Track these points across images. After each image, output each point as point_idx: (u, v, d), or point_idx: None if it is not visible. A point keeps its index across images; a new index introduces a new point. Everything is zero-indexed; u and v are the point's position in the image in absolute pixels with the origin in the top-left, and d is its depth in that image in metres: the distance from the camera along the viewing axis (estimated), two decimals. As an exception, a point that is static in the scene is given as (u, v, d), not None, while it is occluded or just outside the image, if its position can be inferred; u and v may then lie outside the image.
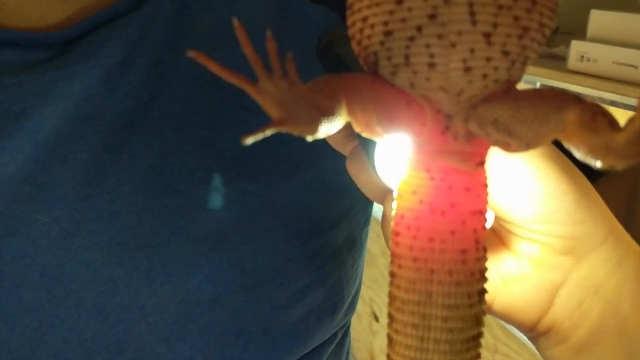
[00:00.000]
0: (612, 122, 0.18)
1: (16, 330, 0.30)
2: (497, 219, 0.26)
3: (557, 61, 0.98)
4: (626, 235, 0.25)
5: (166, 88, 0.34)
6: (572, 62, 0.95)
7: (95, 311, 0.31)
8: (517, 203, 0.24)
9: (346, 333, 0.46)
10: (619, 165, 0.18)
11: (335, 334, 0.42)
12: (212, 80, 0.35)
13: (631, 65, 0.90)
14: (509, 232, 0.26)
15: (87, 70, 0.32)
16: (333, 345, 0.42)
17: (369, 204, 0.42)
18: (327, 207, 0.38)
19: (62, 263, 0.31)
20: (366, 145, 0.26)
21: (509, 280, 0.26)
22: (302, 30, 0.38)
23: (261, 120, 0.16)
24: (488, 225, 0.25)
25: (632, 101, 0.88)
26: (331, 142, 0.29)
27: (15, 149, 0.30)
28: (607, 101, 0.91)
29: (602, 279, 0.24)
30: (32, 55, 0.32)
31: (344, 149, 0.29)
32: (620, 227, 0.25)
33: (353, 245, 0.41)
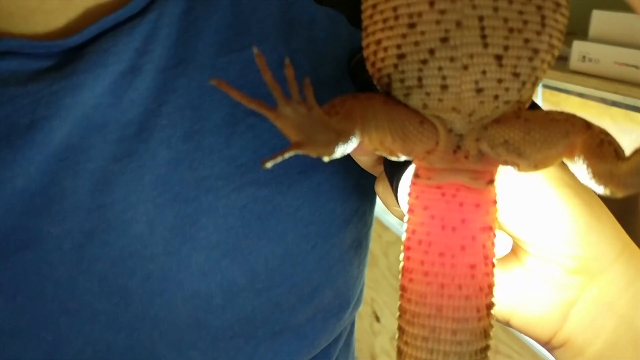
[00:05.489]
0: (617, 150, 0.19)
1: (31, 345, 0.30)
2: (513, 238, 0.26)
3: (559, 61, 0.98)
4: (639, 253, 0.26)
5: (173, 95, 0.34)
6: (574, 62, 0.95)
7: (108, 322, 0.31)
8: (531, 224, 0.25)
9: (351, 332, 0.47)
10: (620, 193, 0.18)
11: (341, 334, 0.42)
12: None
13: (633, 66, 0.90)
14: (525, 251, 0.27)
15: (95, 79, 0.32)
16: (340, 345, 0.43)
17: (373, 205, 0.43)
18: (335, 211, 0.38)
19: (75, 275, 0.31)
20: (390, 173, 0.26)
21: (526, 297, 0.27)
22: (308, 32, 0.38)
23: (270, 126, 0.17)
24: (506, 250, 0.26)
25: (634, 102, 0.88)
26: (363, 165, 0.30)
27: (26, 161, 0.30)
28: (608, 102, 0.91)
29: (614, 297, 0.25)
30: (37, 64, 0.32)
31: (374, 170, 0.30)
32: (633, 245, 0.26)
33: (359, 247, 0.41)
